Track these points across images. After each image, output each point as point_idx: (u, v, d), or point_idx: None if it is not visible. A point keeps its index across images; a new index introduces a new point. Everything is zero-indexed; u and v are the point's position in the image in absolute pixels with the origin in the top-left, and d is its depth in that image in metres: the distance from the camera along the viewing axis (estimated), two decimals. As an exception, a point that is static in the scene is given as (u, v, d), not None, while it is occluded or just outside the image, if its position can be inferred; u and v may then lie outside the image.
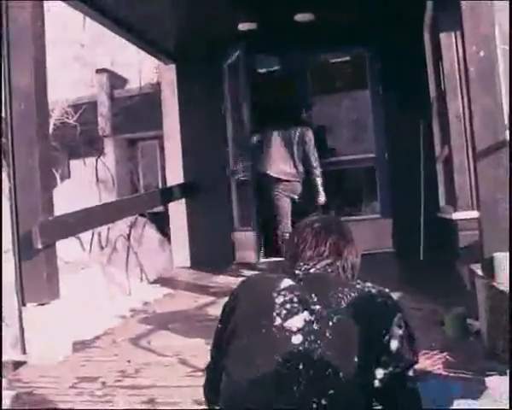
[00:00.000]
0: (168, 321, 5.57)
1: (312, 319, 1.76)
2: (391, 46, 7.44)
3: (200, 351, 4.61)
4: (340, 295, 1.80)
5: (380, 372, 1.72)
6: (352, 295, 1.80)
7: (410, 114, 7.40)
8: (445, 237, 6.55)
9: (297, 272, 1.93)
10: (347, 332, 1.72)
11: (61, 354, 4.72)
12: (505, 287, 3.78)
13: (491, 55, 4.20)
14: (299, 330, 1.75)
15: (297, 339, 1.73)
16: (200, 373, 4.14)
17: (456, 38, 5.49)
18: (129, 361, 4.57)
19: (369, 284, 1.89)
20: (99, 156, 10.16)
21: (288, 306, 1.80)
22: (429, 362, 3.62)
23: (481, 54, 4.20)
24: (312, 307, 1.79)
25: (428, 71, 6.83)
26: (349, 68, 8.70)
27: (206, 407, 2.13)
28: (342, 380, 1.66)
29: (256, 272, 2.02)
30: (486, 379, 1.76)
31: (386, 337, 1.72)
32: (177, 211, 8.51)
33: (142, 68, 10.70)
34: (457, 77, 5.52)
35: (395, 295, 1.98)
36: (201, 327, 5.28)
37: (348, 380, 1.66)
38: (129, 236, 7.80)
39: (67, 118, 9.74)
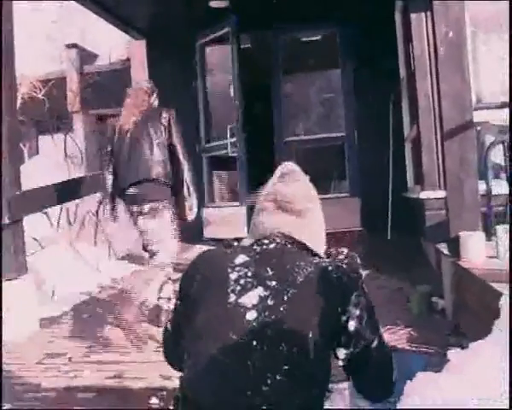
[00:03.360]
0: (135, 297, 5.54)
1: (267, 294, 1.73)
2: (362, 25, 7.45)
3: (168, 327, 4.64)
4: (296, 269, 1.76)
5: (342, 352, 1.73)
6: (309, 269, 1.76)
7: (380, 94, 7.44)
8: (413, 217, 6.62)
9: (255, 247, 1.89)
10: (302, 308, 1.70)
11: (28, 330, 4.69)
12: (470, 265, 3.85)
13: (460, 37, 4.24)
14: (253, 306, 1.72)
15: (251, 315, 1.71)
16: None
17: (426, 20, 5.52)
18: (96, 337, 4.57)
19: (327, 260, 1.87)
20: (68, 132, 10.02)
21: (242, 282, 1.77)
22: (393, 337, 3.68)
23: (451, 35, 4.24)
24: (268, 282, 1.75)
25: (399, 51, 6.86)
26: (320, 47, 8.66)
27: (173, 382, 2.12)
28: (297, 356, 1.65)
29: (213, 247, 1.95)
30: (448, 352, 1.78)
31: (344, 318, 1.70)
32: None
33: (112, 44, 10.55)
34: (427, 58, 5.56)
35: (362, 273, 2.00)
36: (169, 302, 5.28)
37: (303, 356, 1.65)
38: (97, 212, 7.72)
39: (35, 92, 9.58)
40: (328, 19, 7.91)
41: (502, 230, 4.03)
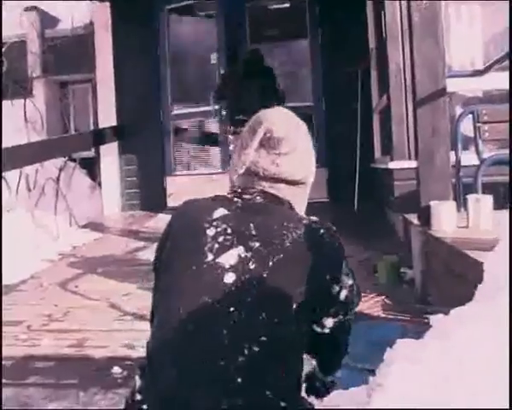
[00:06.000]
0: (98, 265, 5.42)
1: (248, 256, 1.55)
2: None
3: (131, 296, 4.54)
4: (284, 231, 1.57)
5: (329, 321, 1.60)
6: (298, 232, 1.57)
7: (348, 64, 7.34)
8: (379, 188, 6.58)
9: (235, 199, 1.68)
10: (288, 276, 1.53)
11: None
12: (441, 234, 3.80)
13: (434, 4, 4.16)
14: (231, 267, 1.54)
15: (229, 278, 1.53)
16: (130, 317, 4.06)
17: (399, -13, 5.43)
18: (56, 305, 4.42)
19: (314, 219, 1.67)
20: (27, 97, 9.72)
21: (220, 239, 1.58)
22: (367, 305, 3.62)
23: (424, 3, 4.16)
24: (250, 242, 1.56)
25: (368, 20, 6.75)
26: (288, 15, 8.52)
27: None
28: (277, 327, 1.50)
29: (193, 198, 1.70)
30: (432, 317, 1.69)
31: (336, 288, 1.57)
32: (109, 155, 8.27)
33: (74, 8, 10.23)
34: (399, 26, 5.47)
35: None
36: (132, 271, 5.21)
37: (284, 327, 1.51)
38: (58, 179, 7.51)
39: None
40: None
41: (472, 199, 4.00)
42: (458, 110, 5.68)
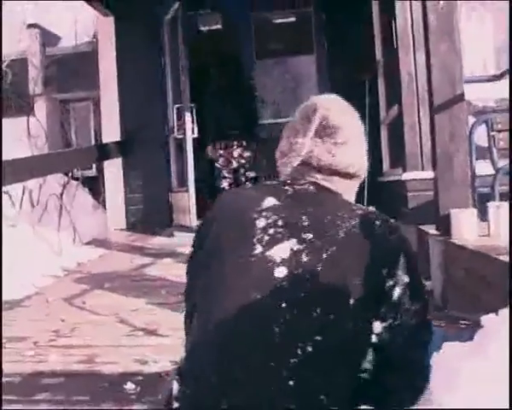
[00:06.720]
0: (104, 281, 5.28)
1: (301, 248, 1.43)
2: (336, 2, 7.28)
3: (139, 311, 4.41)
4: (338, 221, 1.45)
5: (377, 326, 1.43)
6: (353, 222, 1.46)
7: (355, 75, 7.26)
8: (389, 202, 6.46)
9: (285, 187, 1.57)
10: (343, 269, 1.41)
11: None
12: (463, 241, 3.68)
13: (451, 4, 4.07)
14: (283, 261, 1.43)
15: (281, 272, 1.42)
16: (140, 333, 3.93)
17: (410, -8, 5.35)
18: (63, 320, 4.28)
19: (371, 209, 1.57)
20: (29, 115, 9.64)
21: (271, 231, 1.47)
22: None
23: (441, 3, 4.06)
24: (302, 234, 1.45)
25: (375, 30, 6.67)
26: (294, 29, 8.46)
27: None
28: (333, 325, 1.37)
29: (235, 188, 1.57)
30: (483, 318, 1.57)
31: (390, 283, 1.42)
32: (113, 171, 8.16)
33: (78, 22, 10.17)
34: (410, 33, 5.38)
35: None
36: (139, 287, 5.09)
37: (340, 325, 1.38)
38: (62, 195, 7.40)
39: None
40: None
41: (493, 207, 3.88)
42: (471, 119, 5.58)
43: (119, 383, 3.13)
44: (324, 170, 1.57)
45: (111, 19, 8.13)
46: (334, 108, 1.65)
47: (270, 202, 1.53)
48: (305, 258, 1.43)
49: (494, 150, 5.03)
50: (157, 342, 3.70)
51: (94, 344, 3.78)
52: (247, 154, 8.77)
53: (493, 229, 3.79)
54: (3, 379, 3.26)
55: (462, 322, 2.28)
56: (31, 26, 10.55)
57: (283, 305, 1.38)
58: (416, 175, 5.25)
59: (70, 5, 9.33)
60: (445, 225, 3.95)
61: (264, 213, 1.51)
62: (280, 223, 1.48)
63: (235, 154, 8.92)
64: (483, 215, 4.03)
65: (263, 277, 1.42)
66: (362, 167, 1.66)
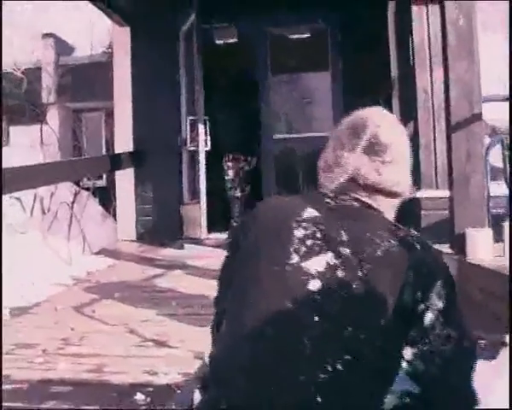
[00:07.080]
0: (114, 291, 5.25)
1: (337, 263, 1.41)
2: (352, 19, 7.28)
3: (149, 322, 4.39)
4: (377, 240, 1.43)
5: (407, 352, 1.39)
6: (392, 242, 1.43)
7: (369, 92, 7.23)
8: (400, 220, 6.42)
9: (326, 200, 1.54)
10: (378, 288, 1.37)
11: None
12: (478, 261, 3.64)
13: (469, 22, 4.05)
14: (318, 274, 1.40)
15: (314, 285, 1.39)
16: (149, 343, 3.90)
17: (427, 10, 5.33)
18: (72, 329, 4.25)
19: (412, 232, 1.53)
20: (42, 123, 9.68)
21: (308, 242, 1.44)
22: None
23: (461, 22, 4.05)
24: (340, 248, 1.42)
25: (391, 47, 6.66)
26: (309, 45, 8.44)
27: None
28: (364, 344, 1.33)
29: (276, 196, 1.54)
30: (507, 336, 1.54)
31: (422, 306, 1.39)
32: (125, 181, 8.14)
33: (94, 34, 10.23)
34: (427, 50, 5.37)
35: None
36: (149, 298, 5.05)
37: (371, 346, 1.34)
38: (73, 203, 7.41)
39: (14, 70, 9.19)
40: (317, 11, 7.71)
41: (508, 227, 3.85)
42: (486, 139, 5.55)
43: (128, 393, 3.09)
44: (369, 188, 1.55)
45: (127, 29, 8.13)
46: (385, 124, 1.61)
47: (310, 213, 1.51)
48: (340, 273, 1.41)
49: (509, 170, 5.00)
50: (167, 353, 3.67)
51: (103, 354, 3.75)
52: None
53: (508, 249, 3.76)
54: (11, 386, 3.25)
55: (482, 341, 2.24)
56: (46, 35, 10.62)
57: (316, 318, 1.36)
58: (431, 194, 5.21)
59: (86, 16, 9.39)
60: (459, 244, 3.91)
61: (303, 224, 1.48)
62: (318, 235, 1.46)
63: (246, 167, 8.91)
64: (497, 235, 4.00)
65: (297, 287, 1.40)
66: (407, 187, 1.64)
